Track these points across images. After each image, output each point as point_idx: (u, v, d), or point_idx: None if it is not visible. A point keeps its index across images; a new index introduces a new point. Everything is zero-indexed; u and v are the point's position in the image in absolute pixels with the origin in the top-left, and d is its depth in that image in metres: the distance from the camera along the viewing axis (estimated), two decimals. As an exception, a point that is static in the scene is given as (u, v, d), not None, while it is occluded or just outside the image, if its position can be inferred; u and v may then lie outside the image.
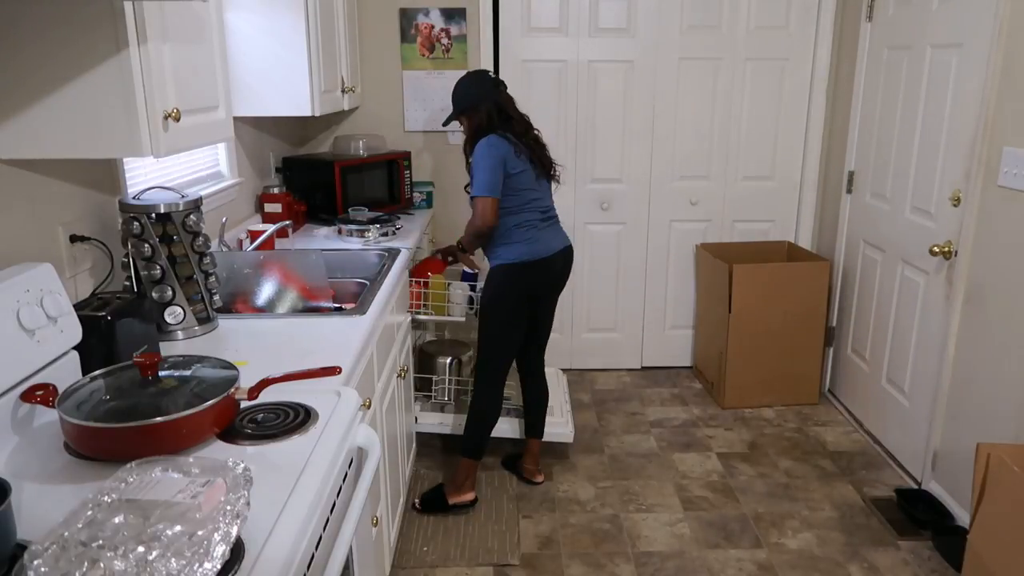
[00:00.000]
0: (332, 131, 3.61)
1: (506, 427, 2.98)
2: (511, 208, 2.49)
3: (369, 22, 3.46)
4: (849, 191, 3.42)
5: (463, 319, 2.94)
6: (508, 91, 2.58)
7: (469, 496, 2.68)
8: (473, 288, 2.92)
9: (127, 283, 1.70)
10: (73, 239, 1.67)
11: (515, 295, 2.55)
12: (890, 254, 3.07)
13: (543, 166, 2.56)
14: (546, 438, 2.99)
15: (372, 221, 2.90)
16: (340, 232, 2.88)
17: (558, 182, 2.66)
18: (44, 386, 1.26)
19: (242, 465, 1.01)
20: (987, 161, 2.43)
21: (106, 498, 0.92)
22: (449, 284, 2.90)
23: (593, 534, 2.58)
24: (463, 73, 3.45)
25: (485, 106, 2.49)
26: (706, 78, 3.58)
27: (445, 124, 2.72)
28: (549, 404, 3.16)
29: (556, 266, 2.59)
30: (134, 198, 1.73)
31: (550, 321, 2.79)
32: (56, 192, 1.63)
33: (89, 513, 0.89)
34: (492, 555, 2.46)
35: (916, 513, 2.59)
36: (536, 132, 2.58)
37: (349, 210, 3.06)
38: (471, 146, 2.51)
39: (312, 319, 1.92)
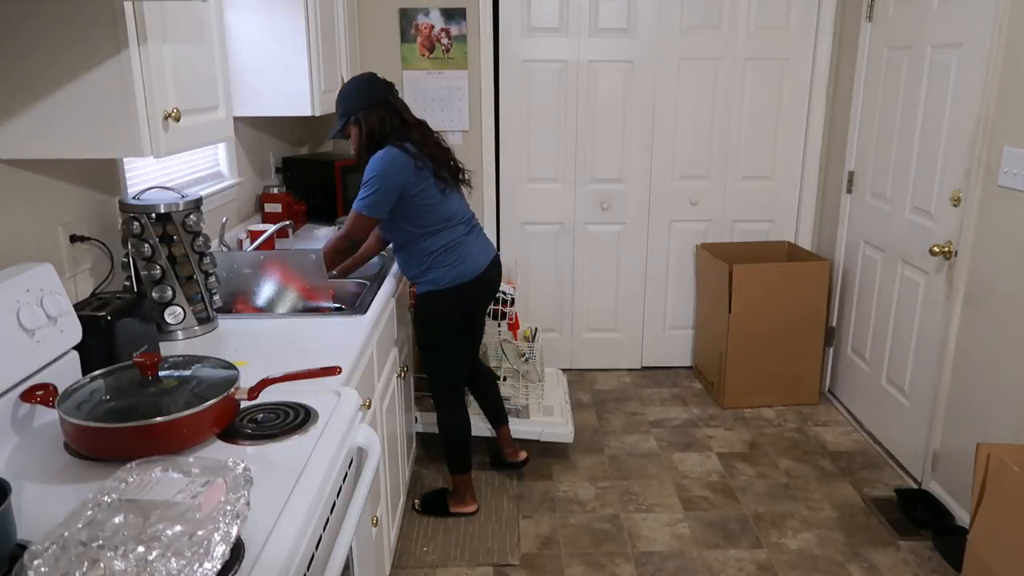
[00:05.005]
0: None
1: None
2: (429, 230, 2.31)
3: (369, 22, 3.47)
4: (849, 191, 3.42)
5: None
6: (400, 96, 2.37)
7: (472, 508, 2.67)
8: None
9: (127, 283, 1.70)
10: (73, 239, 1.67)
11: (455, 319, 2.44)
12: (890, 254, 3.07)
13: (451, 175, 2.36)
14: (546, 438, 2.99)
15: None
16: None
17: (469, 187, 2.46)
18: (44, 386, 1.26)
19: (242, 465, 1.01)
20: (987, 161, 2.43)
21: (106, 498, 0.92)
22: None
23: (593, 534, 2.58)
24: (463, 73, 3.49)
25: (378, 109, 2.27)
26: (706, 78, 3.58)
27: (333, 137, 2.41)
28: (549, 404, 3.17)
29: (489, 279, 2.45)
30: (134, 198, 1.73)
31: (481, 328, 2.73)
32: (56, 192, 1.63)
33: (89, 513, 0.89)
34: (492, 555, 2.46)
35: (916, 513, 2.59)
36: (437, 137, 2.38)
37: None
38: (365, 155, 2.29)
39: (312, 319, 1.92)
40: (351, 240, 2.31)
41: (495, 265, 2.52)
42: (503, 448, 2.90)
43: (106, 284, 1.81)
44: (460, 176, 2.43)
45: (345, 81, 2.32)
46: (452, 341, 2.49)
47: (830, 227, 3.60)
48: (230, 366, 1.34)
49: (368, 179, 2.23)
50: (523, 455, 2.89)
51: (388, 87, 2.33)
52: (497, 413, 2.87)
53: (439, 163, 2.31)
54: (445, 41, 3.48)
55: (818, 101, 3.59)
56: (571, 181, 3.69)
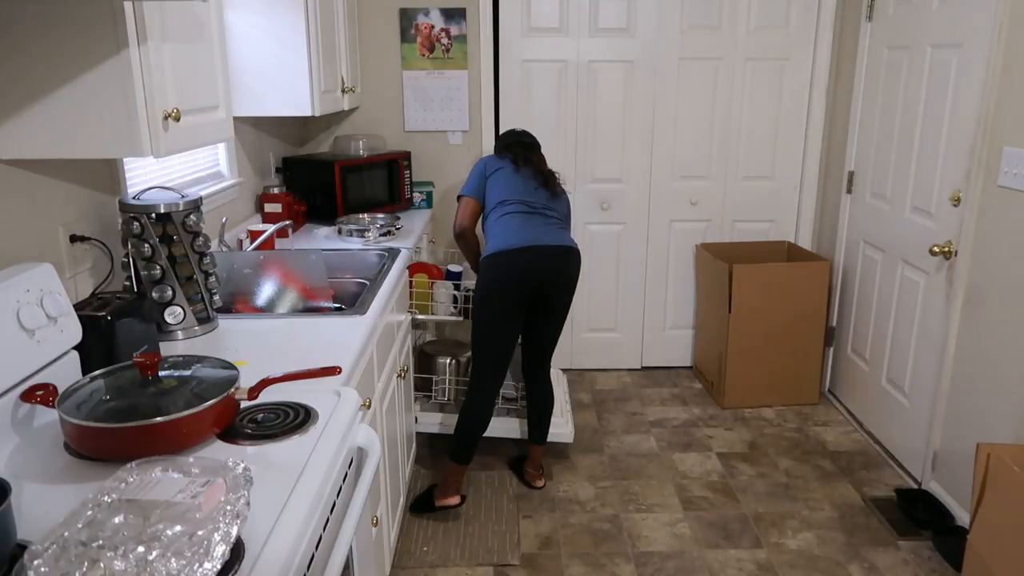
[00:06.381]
0: (332, 131, 3.61)
1: (508, 427, 2.98)
2: (491, 203, 2.62)
3: (369, 22, 3.47)
4: (849, 191, 3.42)
5: (461, 318, 2.94)
6: (532, 148, 2.78)
7: (454, 500, 2.66)
8: (457, 287, 2.91)
9: (127, 283, 1.70)
10: (73, 239, 1.67)
11: (496, 290, 2.47)
12: (890, 254, 3.07)
13: (545, 183, 2.65)
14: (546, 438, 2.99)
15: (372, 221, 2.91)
16: (340, 232, 2.88)
17: (555, 193, 2.66)
18: (44, 386, 1.26)
19: (242, 465, 1.01)
20: (987, 161, 2.43)
21: (106, 498, 0.92)
22: (433, 283, 2.90)
23: (593, 534, 2.58)
24: (463, 73, 3.50)
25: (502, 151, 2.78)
26: (706, 78, 3.58)
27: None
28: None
29: (530, 259, 2.46)
30: (134, 198, 1.73)
31: (552, 329, 2.66)
32: (56, 192, 1.63)
33: (89, 513, 0.89)
34: (492, 555, 2.46)
35: (916, 513, 2.59)
36: (542, 166, 2.73)
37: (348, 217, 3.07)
38: None
39: (312, 319, 1.92)
40: (456, 224, 2.68)
41: (555, 252, 2.50)
42: (528, 467, 2.87)
43: (106, 284, 1.81)
44: (553, 183, 2.69)
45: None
46: (492, 318, 2.51)
47: (830, 227, 3.60)
48: (230, 366, 1.34)
49: (469, 175, 2.74)
50: (542, 483, 2.85)
51: (517, 142, 2.79)
52: (534, 432, 2.82)
53: (516, 155, 2.69)
54: (445, 41, 3.48)
55: (818, 101, 3.59)
56: (571, 181, 3.69)
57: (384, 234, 2.83)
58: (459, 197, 2.70)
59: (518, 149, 2.73)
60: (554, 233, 2.54)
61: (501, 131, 3.60)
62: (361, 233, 2.83)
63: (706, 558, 2.45)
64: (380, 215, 3.09)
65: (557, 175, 2.72)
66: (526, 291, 2.50)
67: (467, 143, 3.60)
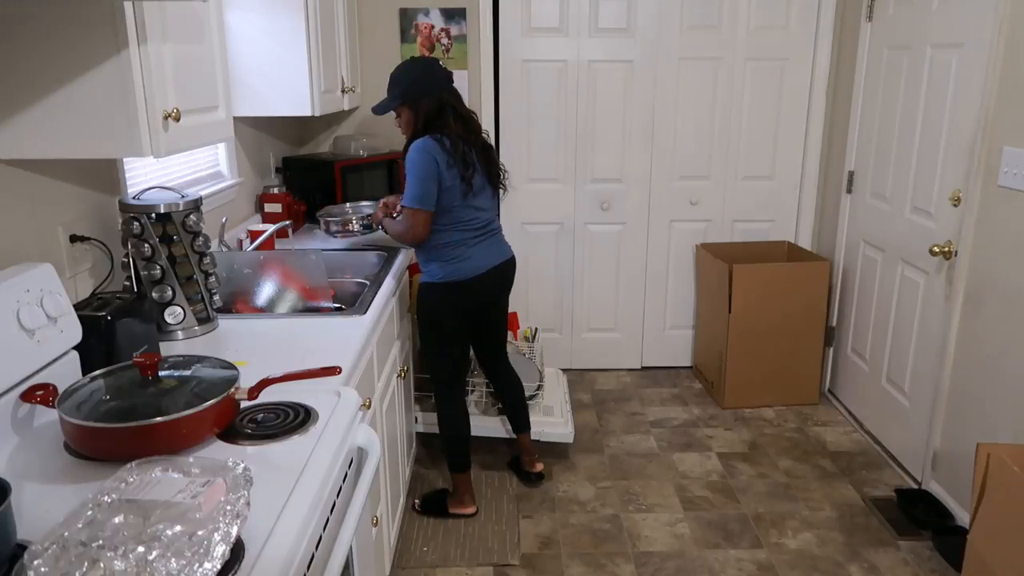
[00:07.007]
0: (332, 131, 3.61)
1: (499, 427, 2.98)
2: (437, 226, 2.38)
3: (369, 22, 3.46)
4: (849, 191, 3.42)
5: None
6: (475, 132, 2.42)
7: (470, 509, 2.67)
8: None
9: (127, 283, 1.70)
10: (73, 239, 1.67)
11: (445, 314, 2.47)
12: (890, 254, 3.07)
13: (488, 174, 2.43)
14: (546, 438, 2.99)
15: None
16: (321, 225, 2.76)
17: (504, 190, 2.54)
18: (44, 386, 1.26)
19: (242, 465, 1.01)
20: (987, 161, 2.43)
21: (106, 498, 0.92)
22: None
23: (593, 534, 2.58)
24: (463, 73, 3.49)
25: (436, 99, 2.31)
26: (706, 78, 3.58)
27: (379, 111, 2.43)
28: (549, 404, 3.17)
29: (488, 283, 2.48)
30: (134, 198, 1.73)
31: (502, 326, 2.71)
32: (56, 192, 1.63)
33: (89, 513, 0.89)
34: (492, 555, 2.46)
35: (916, 513, 2.59)
36: (484, 135, 2.45)
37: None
38: (410, 141, 2.36)
39: (312, 319, 1.92)
40: (415, 236, 2.35)
41: (501, 269, 2.51)
42: (522, 455, 2.89)
43: (106, 284, 1.81)
44: (499, 179, 2.49)
45: (408, 63, 2.41)
46: (443, 337, 2.50)
47: (830, 227, 3.60)
48: (230, 366, 1.34)
49: (411, 169, 2.29)
50: (539, 467, 2.86)
51: (447, 78, 2.37)
52: (518, 422, 2.83)
53: (467, 165, 2.33)
54: (445, 41, 3.48)
55: (818, 101, 3.59)
56: (571, 181, 3.69)
57: (366, 225, 2.68)
58: (409, 208, 2.32)
59: (476, 148, 2.38)
60: (497, 247, 2.52)
61: (500, 132, 3.60)
62: (343, 225, 2.67)
63: (706, 558, 2.45)
64: (365, 203, 2.98)
65: (502, 171, 2.52)
66: (480, 308, 2.55)
67: (467, 143, 3.59)
